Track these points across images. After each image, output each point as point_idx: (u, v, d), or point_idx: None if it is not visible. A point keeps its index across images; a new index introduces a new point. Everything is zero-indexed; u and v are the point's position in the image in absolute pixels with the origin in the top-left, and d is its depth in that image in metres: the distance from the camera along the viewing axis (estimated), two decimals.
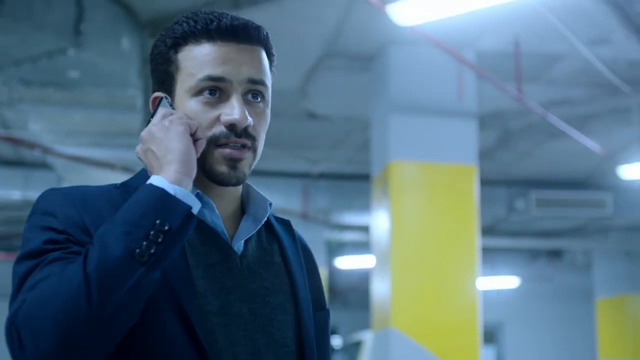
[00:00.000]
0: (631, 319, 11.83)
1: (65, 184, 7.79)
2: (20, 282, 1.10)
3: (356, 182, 8.34)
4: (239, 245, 1.25)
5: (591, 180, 9.12)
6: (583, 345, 13.84)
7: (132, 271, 1.04)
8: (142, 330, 1.10)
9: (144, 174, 1.21)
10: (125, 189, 1.22)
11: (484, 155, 8.18)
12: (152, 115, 1.21)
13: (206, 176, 1.21)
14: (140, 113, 5.74)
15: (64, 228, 1.13)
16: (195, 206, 1.11)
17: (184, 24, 1.23)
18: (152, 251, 1.05)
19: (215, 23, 1.21)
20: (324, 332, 1.34)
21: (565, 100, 6.44)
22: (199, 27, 1.21)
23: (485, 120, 7.14)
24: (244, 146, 1.20)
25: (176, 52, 1.22)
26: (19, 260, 1.13)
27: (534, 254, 13.08)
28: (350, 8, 3.96)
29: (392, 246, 4.96)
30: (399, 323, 4.78)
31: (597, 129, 7.03)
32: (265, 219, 1.28)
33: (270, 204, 1.29)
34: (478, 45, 5.35)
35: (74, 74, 4.99)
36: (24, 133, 6.41)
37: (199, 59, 1.20)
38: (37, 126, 6.06)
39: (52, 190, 1.20)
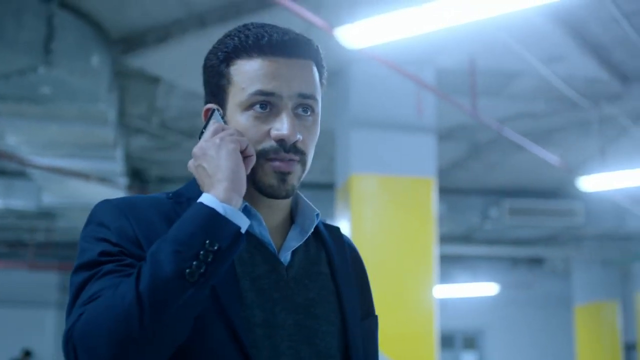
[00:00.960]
0: (607, 326, 12.02)
1: (45, 194, 7.96)
2: (76, 293, 1.13)
3: (332, 192, 8.52)
4: (285, 257, 1.26)
5: (563, 190, 9.31)
6: (563, 351, 14.02)
7: (182, 290, 1.05)
8: (191, 341, 1.12)
9: (195, 184, 1.23)
10: (177, 198, 1.24)
11: (457, 166, 8.39)
12: (205, 127, 1.24)
13: (255, 188, 1.23)
14: (112, 126, 5.91)
15: (117, 240, 1.16)
16: (244, 225, 1.12)
17: (236, 38, 1.24)
18: (201, 271, 1.06)
19: (266, 38, 1.22)
20: (372, 339, 1.34)
21: (528, 114, 6.63)
22: (250, 41, 1.22)
23: (454, 132, 7.35)
24: (291, 160, 1.21)
25: (228, 65, 1.24)
26: (75, 271, 1.16)
27: (514, 262, 13.27)
28: (310, 26, 4.14)
29: None
30: None
31: (560, 141, 7.22)
32: (312, 229, 1.29)
33: (318, 214, 1.29)
34: (438, 62, 5.53)
35: (45, 90, 5.15)
36: (2, 144, 6.57)
37: (250, 74, 1.21)
38: (14, 138, 6.22)
39: (105, 201, 1.22)
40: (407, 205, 5.31)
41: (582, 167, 6.98)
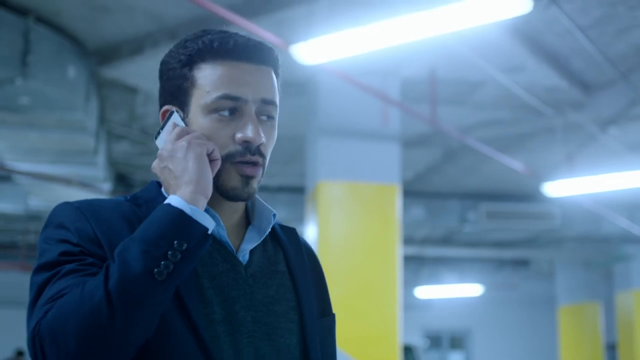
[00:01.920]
0: (590, 326, 12.21)
1: (32, 197, 8.18)
2: (37, 292, 1.13)
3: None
4: (244, 256, 1.28)
5: (540, 194, 9.50)
6: (547, 350, 14.22)
7: (151, 289, 1.07)
8: (153, 337, 1.13)
9: (153, 187, 1.28)
10: (134, 200, 1.25)
11: (433, 170, 8.59)
12: (162, 128, 1.25)
13: (218, 191, 1.24)
14: (91, 133, 6.12)
15: (77, 241, 1.16)
16: (210, 226, 1.15)
17: (199, 42, 1.25)
18: (170, 270, 1.08)
19: (231, 43, 1.24)
20: (329, 338, 1.36)
21: (495, 121, 6.83)
22: (215, 45, 1.23)
23: (428, 138, 7.55)
24: (255, 164, 1.23)
25: (191, 68, 1.24)
26: (36, 271, 1.16)
27: (501, 263, 13.46)
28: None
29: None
30: None
31: (528, 148, 7.42)
32: (269, 230, 1.31)
33: (274, 215, 1.32)
34: (403, 73, 5.74)
35: (24, 100, 5.37)
36: None
37: (214, 77, 1.22)
38: None
39: (65, 204, 1.23)
40: (373, 211, 5.52)
41: (550, 173, 7.16)
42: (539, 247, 11.02)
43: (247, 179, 1.23)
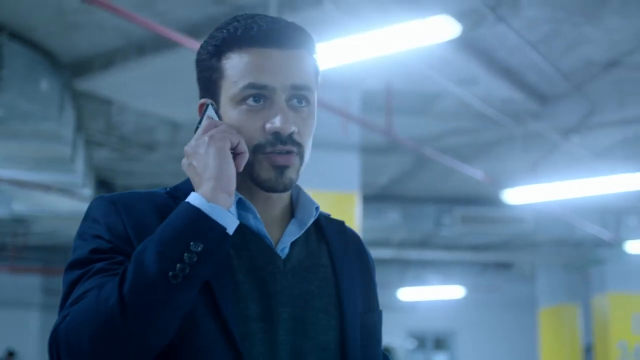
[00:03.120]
0: (569, 328, 12.44)
1: (15, 203, 8.44)
2: (67, 291, 1.12)
3: None
4: (284, 249, 1.24)
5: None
6: (528, 352, 14.46)
7: (166, 293, 1.03)
8: (180, 336, 1.10)
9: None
10: (174, 193, 1.23)
11: (407, 175, 8.83)
12: (200, 122, 1.21)
13: (253, 183, 1.21)
14: (67, 142, 6.37)
15: (109, 237, 1.15)
16: (231, 225, 1.10)
17: (224, 31, 1.21)
18: (185, 273, 1.04)
19: (255, 29, 1.19)
20: (373, 334, 1.30)
21: (458, 131, 7.08)
22: (239, 33, 1.20)
23: (399, 145, 7.80)
24: (289, 152, 1.18)
25: (219, 59, 1.21)
26: (67, 268, 1.15)
27: (485, 266, 13.70)
28: None
29: None
30: None
31: (495, 155, 7.66)
32: (310, 223, 1.26)
33: (317, 208, 1.27)
34: (363, 85, 5.99)
35: None
36: None
37: (241, 67, 1.18)
38: None
39: (100, 197, 1.21)
40: None
41: (515, 181, 7.40)
42: (515, 250, 11.26)
43: (281, 169, 1.18)
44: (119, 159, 8.34)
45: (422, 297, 14.02)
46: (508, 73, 5.96)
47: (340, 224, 1.36)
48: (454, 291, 14.00)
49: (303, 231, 1.25)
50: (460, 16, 5.04)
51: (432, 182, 8.97)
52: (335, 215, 1.35)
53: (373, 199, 9.26)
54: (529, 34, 5.39)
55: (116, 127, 7.33)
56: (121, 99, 6.38)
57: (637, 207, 10.01)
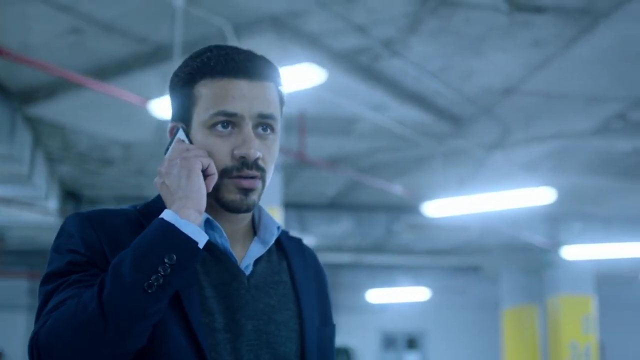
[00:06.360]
0: (528, 328, 12.92)
1: None
2: (44, 301, 1.18)
3: None
4: (248, 266, 1.31)
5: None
6: (493, 352, 14.97)
7: (142, 301, 1.11)
8: (151, 345, 1.17)
9: (161, 199, 1.28)
10: (144, 210, 1.31)
11: (354, 187, 9.39)
12: (170, 144, 1.30)
13: (219, 204, 1.28)
14: (23, 161, 6.97)
15: (84, 251, 1.21)
16: (202, 240, 1.18)
17: (198, 60, 1.29)
18: (159, 283, 1.12)
19: (227, 60, 1.27)
20: (329, 347, 1.38)
21: (381, 149, 7.64)
22: (212, 63, 1.28)
23: (341, 159, 8.37)
24: (254, 177, 1.26)
25: (192, 87, 1.29)
26: (44, 280, 1.21)
27: (455, 269, 14.21)
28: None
29: None
30: None
31: (424, 169, 8.21)
32: (272, 242, 1.34)
33: (278, 227, 1.35)
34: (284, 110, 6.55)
35: None
36: None
37: (212, 95, 1.26)
38: None
39: (76, 214, 1.27)
40: None
41: (436, 194, 7.87)
42: (467, 255, 11.78)
43: (246, 191, 1.26)
44: (81, 173, 8.92)
45: (389, 299, 14.53)
46: (417, 99, 6.50)
47: (299, 241, 1.47)
48: (420, 293, 14.50)
49: (266, 249, 1.34)
50: (355, 53, 5.63)
51: (373, 191, 9.45)
52: None
53: (326, 207, 9.86)
54: (427, 65, 5.91)
55: (73, 145, 7.93)
56: (69, 123, 6.98)
57: (577, 214, 10.53)
